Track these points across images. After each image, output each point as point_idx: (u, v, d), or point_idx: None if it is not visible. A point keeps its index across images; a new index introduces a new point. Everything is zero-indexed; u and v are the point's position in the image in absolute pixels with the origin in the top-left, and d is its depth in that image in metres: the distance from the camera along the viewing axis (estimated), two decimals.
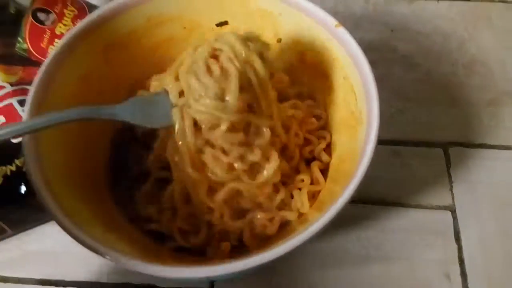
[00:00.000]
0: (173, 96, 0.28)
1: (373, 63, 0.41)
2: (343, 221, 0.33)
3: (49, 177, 0.25)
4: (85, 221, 0.25)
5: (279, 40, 0.33)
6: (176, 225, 0.28)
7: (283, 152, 0.29)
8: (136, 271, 0.22)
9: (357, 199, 0.33)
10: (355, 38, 0.42)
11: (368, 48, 0.42)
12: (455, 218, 0.33)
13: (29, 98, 0.27)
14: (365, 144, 0.25)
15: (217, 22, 0.33)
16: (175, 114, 0.27)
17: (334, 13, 0.44)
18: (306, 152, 0.30)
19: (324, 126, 0.31)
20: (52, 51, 0.28)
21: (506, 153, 0.36)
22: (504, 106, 0.39)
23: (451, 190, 0.35)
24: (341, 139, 0.29)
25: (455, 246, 0.32)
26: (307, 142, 0.30)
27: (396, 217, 0.33)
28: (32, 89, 0.27)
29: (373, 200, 0.34)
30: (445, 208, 0.34)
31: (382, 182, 0.35)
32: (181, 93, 0.28)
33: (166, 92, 0.28)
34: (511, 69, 0.41)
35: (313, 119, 0.31)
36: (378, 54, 0.42)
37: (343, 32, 0.29)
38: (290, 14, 0.31)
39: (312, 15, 0.30)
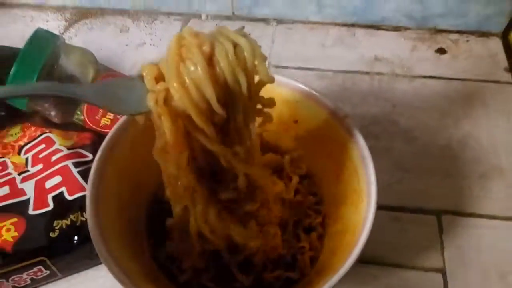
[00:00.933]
0: (148, 81, 0.26)
1: (376, 136, 0.48)
2: (345, 278, 0.38)
3: (105, 235, 0.31)
4: (132, 273, 0.30)
5: (295, 121, 0.39)
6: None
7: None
8: None
9: (358, 259, 0.38)
10: (360, 112, 0.49)
11: (373, 122, 0.49)
12: (445, 280, 0.38)
13: (92, 169, 0.33)
14: (365, 218, 0.30)
15: None
16: (150, 99, 0.26)
17: (343, 89, 0.52)
18: (305, 223, 0.36)
19: (319, 202, 0.37)
20: (110, 131, 0.34)
21: (493, 222, 0.41)
22: (493, 179, 0.44)
23: (442, 254, 0.39)
24: (342, 213, 0.34)
25: None
26: (307, 215, 0.36)
27: (392, 277, 0.38)
28: (94, 162, 0.33)
29: (373, 260, 0.39)
30: (436, 270, 0.38)
31: (381, 244, 0.39)
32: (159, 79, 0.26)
33: (142, 77, 0.26)
34: (500, 146, 0.46)
35: (311, 197, 0.37)
36: (381, 127, 0.48)
37: (349, 123, 0.34)
38: (305, 102, 0.37)
39: (323, 106, 0.36)
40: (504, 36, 0.57)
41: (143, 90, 0.26)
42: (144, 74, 0.26)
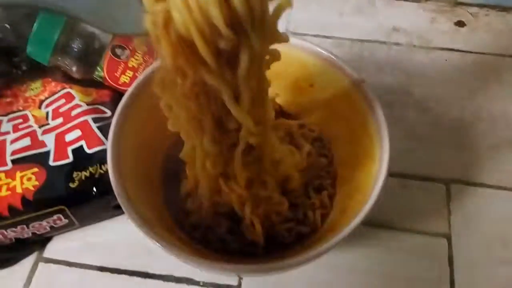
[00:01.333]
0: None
1: (390, 105, 0.48)
2: (353, 240, 0.39)
3: (126, 186, 0.32)
4: (150, 222, 0.31)
5: (311, 85, 0.40)
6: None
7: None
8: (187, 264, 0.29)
9: (366, 222, 0.39)
10: (376, 81, 0.49)
11: (387, 91, 0.50)
12: (450, 244, 0.39)
13: (113, 123, 0.34)
14: (376, 180, 0.31)
15: None
16: (148, 21, 0.22)
17: (360, 58, 0.52)
18: (316, 184, 0.37)
19: (330, 164, 0.38)
20: (129, 88, 0.35)
21: (501, 192, 0.42)
22: (503, 151, 0.44)
23: (449, 220, 0.40)
24: (354, 175, 0.35)
25: (448, 269, 0.38)
26: (318, 176, 0.37)
27: (399, 240, 0.39)
28: (115, 117, 0.34)
29: (381, 224, 0.40)
30: (442, 235, 0.39)
31: (389, 209, 0.41)
32: None
33: None
34: None
35: (323, 159, 0.38)
36: (395, 96, 0.49)
37: (366, 88, 0.35)
38: (322, 66, 0.37)
39: (341, 70, 0.36)
40: None
41: (141, 10, 0.23)
42: None
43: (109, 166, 0.32)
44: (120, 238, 0.40)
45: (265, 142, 0.30)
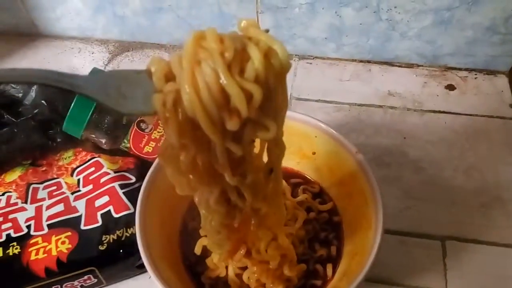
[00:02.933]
0: (157, 78, 0.23)
1: (388, 165, 0.52)
2: None
3: (150, 249, 0.36)
4: (170, 280, 0.35)
5: (314, 153, 0.44)
6: None
7: None
8: None
9: (367, 279, 0.43)
10: (373, 143, 0.54)
11: (384, 152, 0.54)
12: None
13: (142, 189, 0.39)
14: (373, 244, 0.35)
15: None
16: (157, 101, 0.23)
17: (358, 121, 0.57)
18: (322, 236, 0.42)
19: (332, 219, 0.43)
20: (154, 163, 0.40)
21: (493, 248, 0.45)
22: (494, 208, 0.48)
23: (445, 276, 0.43)
24: (354, 235, 0.39)
25: None
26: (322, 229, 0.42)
27: None
28: (144, 184, 0.39)
29: (381, 280, 0.43)
30: None
31: (388, 266, 0.44)
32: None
33: (149, 73, 0.24)
34: (502, 177, 0.50)
35: (325, 213, 0.43)
36: (392, 157, 0.53)
37: (361, 158, 0.39)
38: (323, 137, 0.42)
39: (338, 141, 0.41)
40: (510, 75, 0.62)
41: (149, 88, 0.23)
42: (152, 70, 0.23)
43: (137, 231, 0.36)
44: None
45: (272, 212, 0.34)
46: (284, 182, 0.44)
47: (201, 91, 0.22)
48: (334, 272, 0.40)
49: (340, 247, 0.41)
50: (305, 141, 0.44)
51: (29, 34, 0.71)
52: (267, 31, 0.24)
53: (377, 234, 0.35)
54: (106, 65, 0.67)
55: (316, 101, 0.60)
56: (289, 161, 0.46)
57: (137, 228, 0.37)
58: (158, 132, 0.47)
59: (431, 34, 0.58)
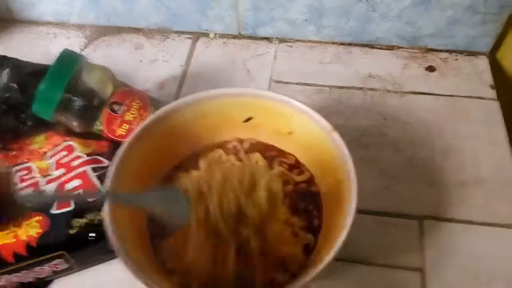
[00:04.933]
0: (191, 197, 0.38)
1: (366, 146, 0.52)
2: (333, 275, 0.42)
3: (123, 239, 0.35)
4: (144, 268, 0.34)
5: (290, 133, 0.44)
6: None
7: None
8: None
9: (346, 258, 0.43)
10: (353, 124, 0.53)
11: (364, 133, 0.54)
12: (423, 278, 0.42)
13: (110, 172, 0.38)
14: (344, 222, 0.34)
15: (245, 118, 0.44)
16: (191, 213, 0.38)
17: (338, 103, 0.56)
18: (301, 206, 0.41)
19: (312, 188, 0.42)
20: (126, 140, 0.39)
21: (470, 227, 0.45)
22: (472, 187, 0.48)
23: (422, 255, 0.43)
24: (332, 213, 0.39)
25: None
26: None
27: (376, 275, 0.42)
28: (112, 166, 0.38)
29: (359, 260, 0.43)
30: (416, 269, 0.42)
31: (367, 246, 0.44)
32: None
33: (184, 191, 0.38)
34: (480, 157, 0.50)
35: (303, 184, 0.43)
36: (371, 138, 0.52)
37: (336, 135, 0.39)
38: (299, 116, 0.41)
39: (314, 119, 0.40)
40: (491, 55, 0.61)
41: (185, 203, 0.37)
42: (187, 190, 0.38)
43: (105, 213, 0.35)
44: (114, 280, 0.43)
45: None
46: (259, 155, 0.44)
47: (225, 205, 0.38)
48: (315, 243, 0.39)
49: (320, 217, 0.41)
50: (281, 121, 0.43)
51: (4, 19, 0.69)
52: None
53: (349, 214, 0.34)
54: (83, 49, 0.65)
55: (296, 84, 0.59)
56: (265, 140, 0.45)
57: (105, 210, 0.36)
58: (132, 113, 0.46)
59: (411, 15, 0.58)
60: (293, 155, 0.44)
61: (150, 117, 0.40)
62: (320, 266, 0.32)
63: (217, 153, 0.43)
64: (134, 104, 0.46)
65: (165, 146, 0.42)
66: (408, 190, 0.48)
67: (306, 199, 0.42)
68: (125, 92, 0.46)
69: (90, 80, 0.45)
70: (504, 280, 0.42)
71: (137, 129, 0.39)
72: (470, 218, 0.45)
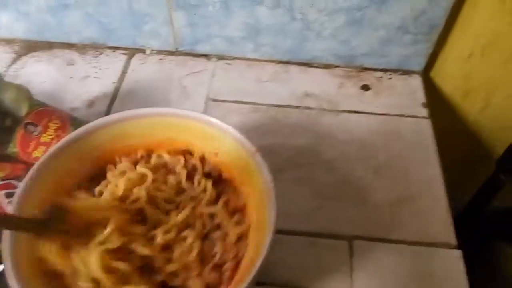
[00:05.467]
0: None
1: (300, 166, 0.51)
2: None
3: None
4: None
5: (216, 154, 0.42)
6: None
7: None
8: None
9: (270, 283, 0.42)
10: (289, 143, 0.53)
11: (298, 152, 0.53)
12: None
13: (16, 195, 0.35)
14: (262, 246, 0.33)
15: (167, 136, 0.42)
16: None
17: (275, 121, 0.55)
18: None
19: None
20: (37, 162, 0.37)
21: (401, 247, 0.45)
22: (403, 207, 0.48)
23: (351, 277, 0.43)
24: (254, 236, 0.37)
25: None
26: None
27: None
28: (19, 190, 0.35)
29: (286, 284, 0.42)
30: None
31: (296, 269, 0.43)
32: None
33: None
34: (412, 175, 0.51)
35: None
36: (306, 158, 0.52)
37: (258, 157, 0.38)
38: (224, 137, 0.40)
39: (238, 141, 0.39)
40: (424, 74, 0.63)
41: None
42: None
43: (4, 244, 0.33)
44: None
45: None
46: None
47: None
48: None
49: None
50: (207, 142, 0.42)
51: None
52: None
53: (269, 233, 0.33)
54: (9, 66, 0.62)
55: (233, 102, 0.59)
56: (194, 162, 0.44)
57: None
58: (49, 135, 0.43)
59: (345, 34, 0.58)
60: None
61: (63, 139, 0.38)
62: None
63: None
64: (51, 124, 0.43)
65: (77, 167, 0.39)
66: (340, 210, 0.47)
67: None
68: (41, 112, 0.44)
69: (4, 99, 0.42)
70: None
71: (46, 153, 0.37)
72: (401, 238, 0.46)
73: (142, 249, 0.34)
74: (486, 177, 0.72)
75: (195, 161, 0.43)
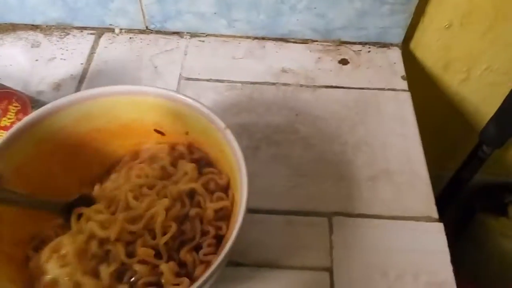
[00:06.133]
0: None
1: (277, 143, 0.50)
2: (236, 282, 0.39)
3: None
4: None
5: (186, 133, 0.41)
6: None
7: None
8: None
9: (248, 263, 0.40)
10: (265, 121, 0.51)
11: (276, 130, 0.51)
12: (332, 279, 0.40)
13: None
14: (234, 226, 0.32)
15: (134, 117, 0.40)
16: None
17: (251, 99, 0.54)
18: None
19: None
20: None
21: (378, 221, 0.44)
22: (381, 181, 0.47)
23: (331, 254, 0.42)
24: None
25: None
26: None
27: (284, 278, 0.40)
28: None
29: (266, 263, 0.41)
30: (324, 269, 0.41)
31: (275, 248, 0.42)
32: None
33: None
34: (390, 150, 0.50)
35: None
36: (283, 135, 0.50)
37: (229, 134, 0.36)
38: (193, 115, 0.38)
39: (208, 118, 0.38)
40: (403, 46, 0.61)
41: None
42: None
43: None
44: None
45: None
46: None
47: None
48: None
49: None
50: (178, 120, 0.40)
51: None
52: None
53: (240, 212, 0.32)
54: None
55: (208, 80, 0.56)
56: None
57: None
58: (9, 118, 0.41)
59: (320, 7, 0.56)
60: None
61: (19, 123, 0.35)
62: (208, 271, 0.30)
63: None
64: (11, 107, 0.41)
65: (41, 156, 0.37)
66: (318, 187, 0.46)
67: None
68: (1, 94, 0.41)
69: None
70: (412, 273, 0.41)
71: (5, 135, 0.35)
72: (379, 213, 0.45)
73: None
74: (468, 150, 0.71)
75: (182, 148, 0.41)
